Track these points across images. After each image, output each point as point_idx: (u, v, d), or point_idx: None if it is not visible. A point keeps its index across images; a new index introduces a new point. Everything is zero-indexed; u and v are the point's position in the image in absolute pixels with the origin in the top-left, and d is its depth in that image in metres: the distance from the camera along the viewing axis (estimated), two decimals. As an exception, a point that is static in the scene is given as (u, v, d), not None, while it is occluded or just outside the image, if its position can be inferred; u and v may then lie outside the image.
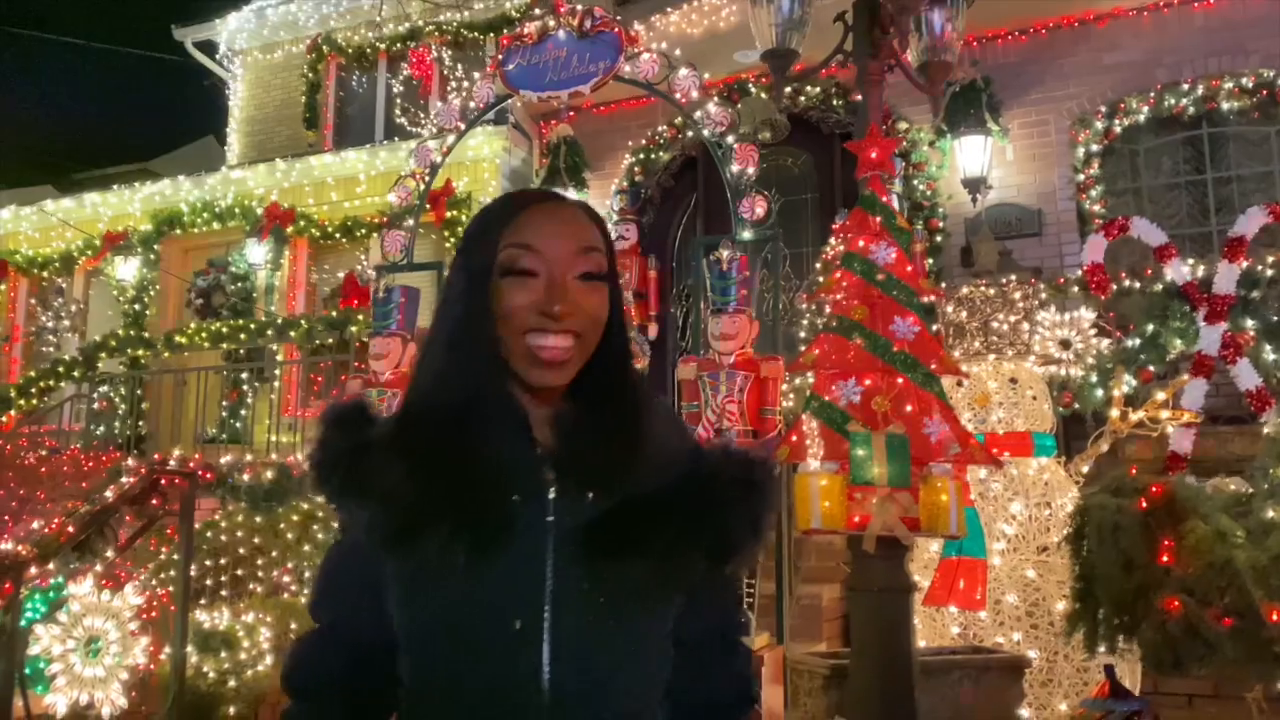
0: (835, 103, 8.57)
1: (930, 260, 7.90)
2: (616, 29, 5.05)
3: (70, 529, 3.62)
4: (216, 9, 13.18)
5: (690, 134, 8.92)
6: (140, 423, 9.46)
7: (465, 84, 12.14)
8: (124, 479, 3.96)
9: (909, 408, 3.36)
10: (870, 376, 3.41)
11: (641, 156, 9.04)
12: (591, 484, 1.13)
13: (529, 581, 1.09)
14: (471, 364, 1.15)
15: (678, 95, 5.05)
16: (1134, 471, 3.42)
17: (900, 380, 3.37)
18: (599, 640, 1.10)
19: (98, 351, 8.55)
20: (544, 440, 1.16)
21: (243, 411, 9.59)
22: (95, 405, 9.45)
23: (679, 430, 1.29)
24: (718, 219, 9.18)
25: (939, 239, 8.03)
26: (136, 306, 10.55)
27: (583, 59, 5.09)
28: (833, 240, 6.73)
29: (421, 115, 12.10)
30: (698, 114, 5.01)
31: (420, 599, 1.12)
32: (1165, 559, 3.06)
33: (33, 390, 8.21)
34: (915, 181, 8.14)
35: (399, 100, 12.22)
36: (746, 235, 4.79)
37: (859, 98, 3.79)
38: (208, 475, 4.50)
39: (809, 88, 8.53)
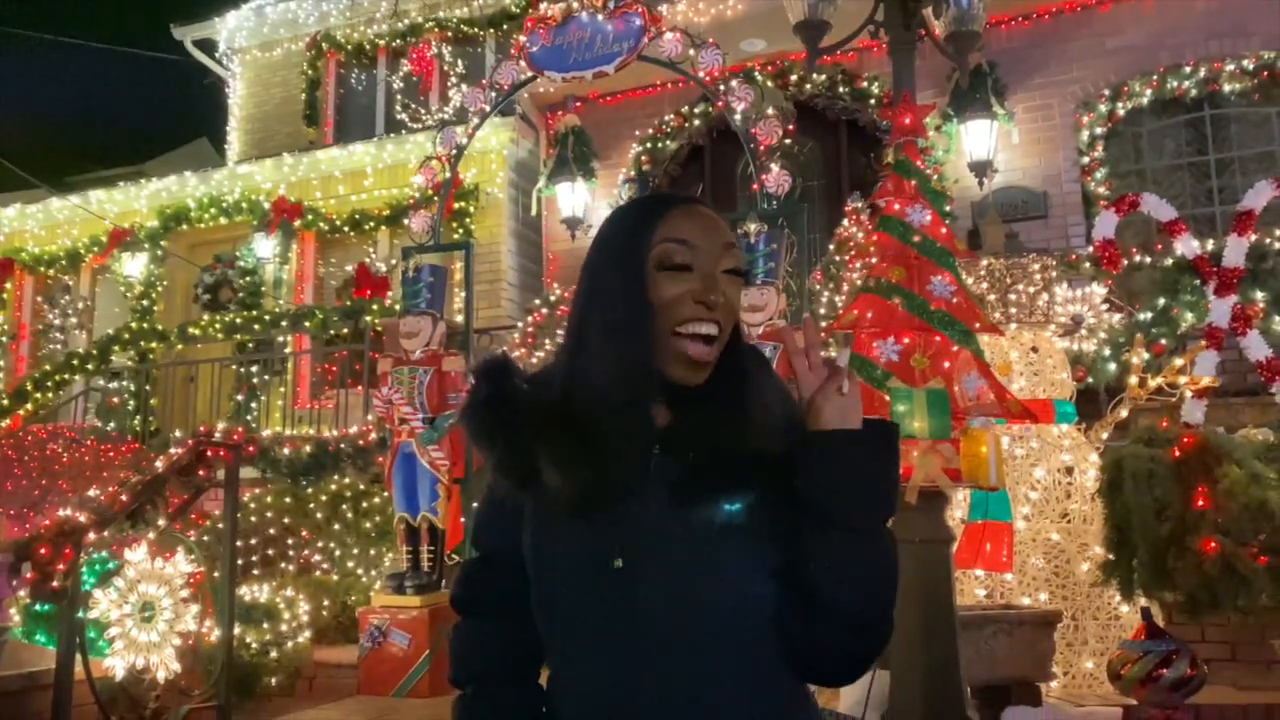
0: (841, 90, 8.69)
1: (938, 243, 8.02)
2: (639, 9, 5.16)
3: (124, 498, 3.70)
4: (216, 8, 13.24)
5: (697, 122, 9.06)
6: (151, 418, 9.51)
7: (465, 81, 12.26)
8: (173, 450, 4.03)
9: (947, 364, 3.47)
10: (909, 335, 3.51)
11: (649, 145, 9.15)
12: (691, 446, 1.23)
13: (628, 529, 1.20)
14: (630, 354, 1.23)
15: (702, 74, 5.15)
16: (1165, 424, 3.53)
17: (938, 338, 3.48)
18: (686, 577, 1.20)
19: (110, 344, 8.60)
20: (660, 418, 1.27)
21: (254, 405, 9.64)
22: (106, 400, 9.49)
23: (788, 404, 1.30)
24: (725, 207, 9.29)
25: (946, 223, 8.13)
26: (144, 303, 10.58)
27: (606, 39, 5.19)
28: (845, 221, 6.84)
29: (422, 111, 12.18)
30: (722, 88, 5.12)
31: (542, 538, 1.25)
32: (1200, 503, 3.18)
33: (48, 384, 8.25)
34: (922, 165, 8.25)
35: (399, 97, 12.29)
36: (772, 208, 4.90)
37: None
38: (251, 449, 4.58)
39: (815, 75, 8.65)
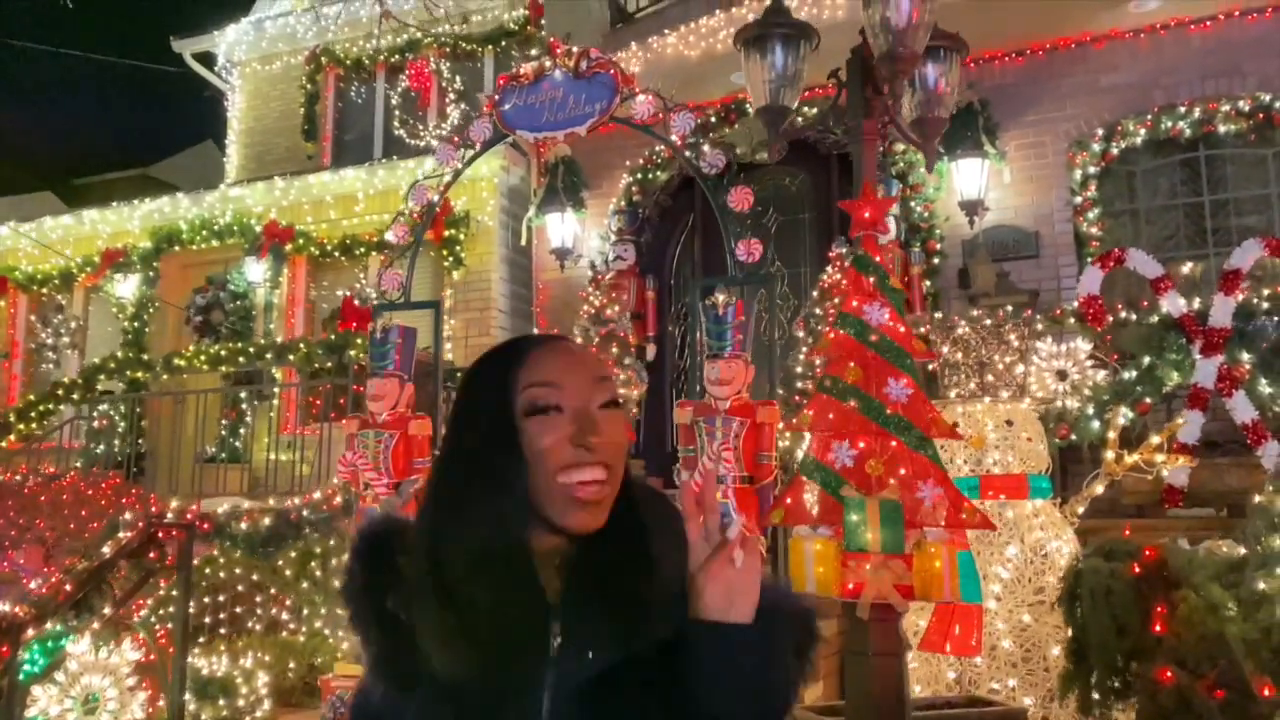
0: (832, 123, 8.53)
1: (927, 283, 7.91)
2: (612, 70, 5.05)
3: (68, 587, 3.63)
4: (215, 21, 13.18)
5: (689, 153, 8.91)
6: (140, 441, 9.47)
7: (463, 97, 12.16)
8: (121, 534, 3.97)
9: (903, 471, 3.37)
10: (864, 439, 3.41)
11: (639, 176, 9.03)
12: (594, 643, 1.11)
13: None
14: (500, 510, 1.13)
15: (674, 136, 5.04)
16: (1127, 532, 3.42)
17: (894, 443, 3.38)
18: None
19: (96, 373, 8.55)
20: (550, 586, 1.14)
21: (241, 430, 9.60)
22: (95, 424, 9.46)
23: (680, 542, 1.17)
24: (715, 239, 9.17)
25: (936, 261, 8.02)
26: (136, 324, 10.54)
27: (579, 99, 5.08)
28: (829, 269, 6.73)
29: (420, 127, 12.09)
30: (691, 155, 5.00)
31: None
32: (1158, 627, 3.07)
33: (32, 414, 8.21)
34: (912, 203, 8.14)
35: (397, 112, 12.21)
36: (741, 278, 4.78)
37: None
38: (205, 526, 4.51)
39: (806, 109, 8.51)
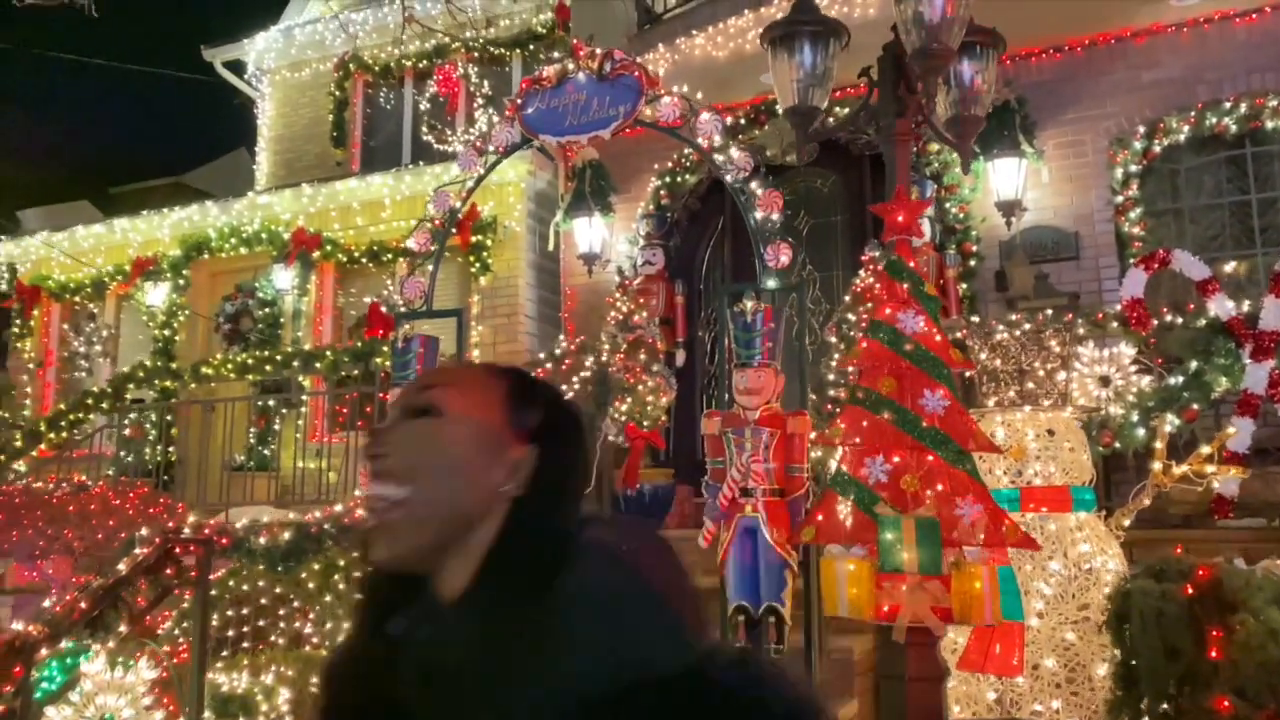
0: (864, 123, 8.36)
1: (963, 286, 7.71)
2: (637, 72, 4.92)
3: (83, 605, 3.56)
4: (245, 29, 13.21)
5: (719, 156, 8.77)
6: (170, 449, 9.47)
7: (491, 101, 12.10)
8: (138, 550, 3.90)
9: (940, 486, 3.21)
10: (899, 453, 3.26)
11: (668, 179, 8.90)
12: None
13: None
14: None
15: (700, 139, 4.91)
16: (1179, 550, 3.24)
17: (931, 458, 3.22)
18: None
19: (126, 383, 8.56)
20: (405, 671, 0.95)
21: (269, 438, 9.58)
22: (126, 432, 9.48)
23: (620, 656, 0.89)
24: (746, 243, 9.00)
25: (972, 264, 7.82)
26: (166, 332, 10.57)
27: (603, 102, 4.96)
28: (862, 273, 6.56)
29: (449, 132, 12.04)
30: (720, 158, 4.87)
31: None
32: (1213, 653, 2.89)
33: (62, 424, 8.23)
34: (947, 204, 7.94)
35: (426, 117, 12.18)
36: (771, 284, 4.64)
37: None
38: (223, 541, 4.44)
39: (837, 109, 8.34)
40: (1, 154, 19.42)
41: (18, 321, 11.36)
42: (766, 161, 8.80)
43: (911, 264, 3.41)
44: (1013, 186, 7.59)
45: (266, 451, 9.61)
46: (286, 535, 4.61)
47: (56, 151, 21.51)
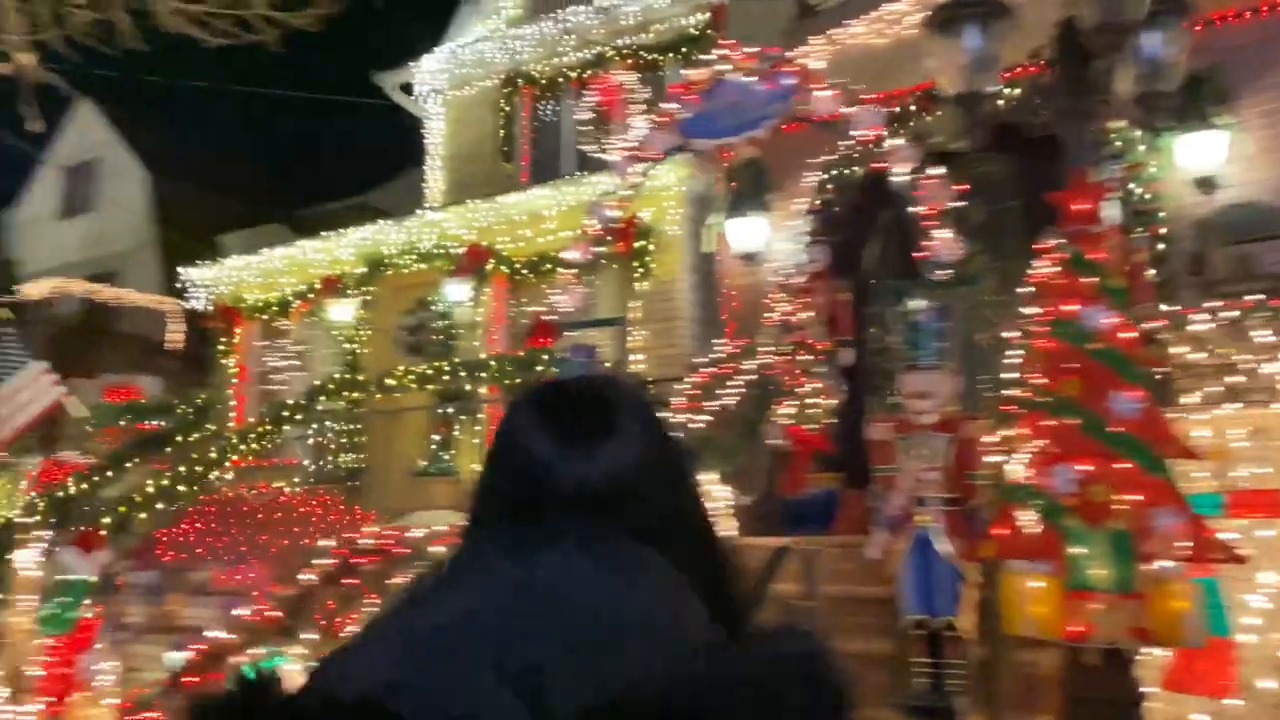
0: (1039, 105, 7.89)
1: (1154, 271, 7.14)
2: (791, 68, 4.78)
3: (276, 613, 3.74)
4: (413, 52, 13.73)
5: (884, 144, 8.48)
6: (358, 457, 9.95)
7: (650, 107, 12.12)
8: (319, 560, 4.07)
9: (1134, 496, 2.95)
10: (1087, 460, 3.01)
11: (831, 173, 8.66)
12: None
13: None
14: None
15: (859, 131, 4.72)
16: None
17: (1123, 465, 2.96)
18: None
19: (316, 395, 9.04)
20: None
21: (450, 445, 9.92)
22: (316, 441, 10.02)
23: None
24: (916, 233, 8.66)
25: (1163, 247, 7.24)
26: (352, 346, 11.11)
27: (757, 101, 4.85)
28: (1041, 262, 6.16)
29: (608, 141, 12.15)
30: (881, 149, 4.67)
31: None
32: None
33: (252, 435, 8.74)
34: (1133, 185, 7.38)
35: (587, 127, 12.34)
36: (939, 278, 4.41)
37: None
38: (402, 550, 4.60)
39: (1008, 90, 7.90)
40: (204, 184, 20.94)
41: (219, 340, 12.22)
42: (934, 149, 8.44)
43: (1095, 255, 3.15)
44: (1207, 162, 6.99)
45: (446, 458, 9.95)
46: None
47: (251, 179, 23.05)
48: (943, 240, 4.42)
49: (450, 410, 9.92)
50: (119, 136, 20.87)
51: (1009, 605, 2.98)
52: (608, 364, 5.60)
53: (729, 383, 6.30)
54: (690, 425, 5.91)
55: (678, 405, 6.09)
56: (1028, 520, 3.07)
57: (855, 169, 8.69)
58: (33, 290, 18.96)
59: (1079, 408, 3.01)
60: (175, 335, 18.90)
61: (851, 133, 4.69)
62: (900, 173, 4.61)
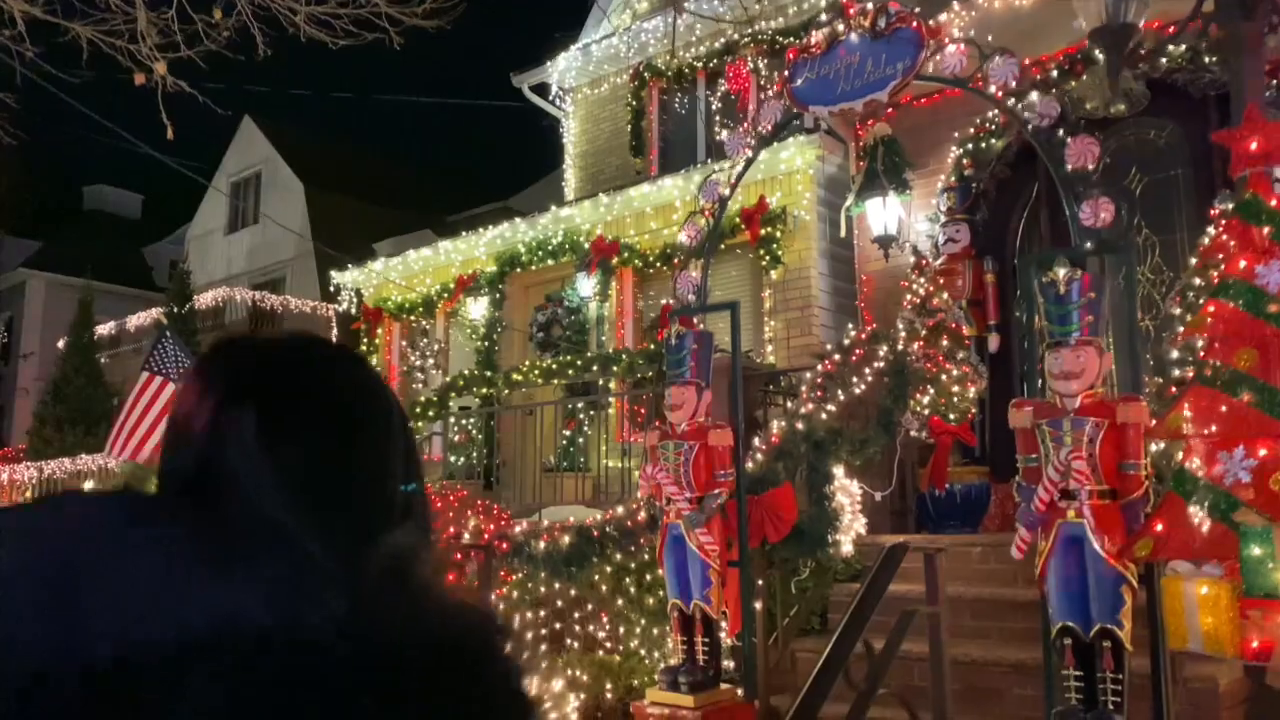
0: (1207, 60, 7.10)
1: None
2: (914, 23, 4.34)
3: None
4: (548, 52, 13.75)
5: (1028, 115, 7.82)
6: (493, 451, 9.96)
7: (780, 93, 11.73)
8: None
9: (1329, 487, 2.43)
10: (1265, 444, 2.51)
11: (971, 147, 8.05)
12: None
13: None
14: None
15: (993, 88, 4.25)
16: None
17: (1313, 450, 2.45)
18: None
19: (449, 392, 9.07)
20: None
21: (580, 439, 9.80)
22: (455, 438, 10.07)
23: None
24: (1066, 211, 7.96)
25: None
26: (486, 343, 11.16)
27: (878, 62, 4.43)
28: (1212, 229, 5.49)
29: (742, 130, 11.82)
30: (1018, 106, 4.18)
31: None
32: None
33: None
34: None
35: (719, 117, 12.05)
36: (1089, 247, 3.89)
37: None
38: (503, 546, 4.41)
39: (1170, 47, 7.14)
40: (356, 194, 21.68)
41: (364, 341, 12.51)
42: (1087, 115, 7.73)
43: (1272, 203, 2.64)
44: None
45: (575, 451, 9.85)
46: (567, 540, 4.50)
47: (401, 188, 23.75)
48: (1093, 206, 3.90)
49: (580, 405, 9.80)
50: (277, 151, 21.84)
51: (1172, 614, 2.51)
52: (725, 352, 5.28)
53: (863, 370, 5.86)
54: (818, 416, 5.51)
55: (803, 395, 5.70)
56: (1194, 515, 2.58)
57: (996, 141, 8.07)
58: (204, 300, 20.06)
59: (1255, 382, 2.51)
60: (334, 338, 19.61)
61: (988, 89, 4.21)
62: (1040, 131, 4.10)
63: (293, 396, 0.85)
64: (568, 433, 9.88)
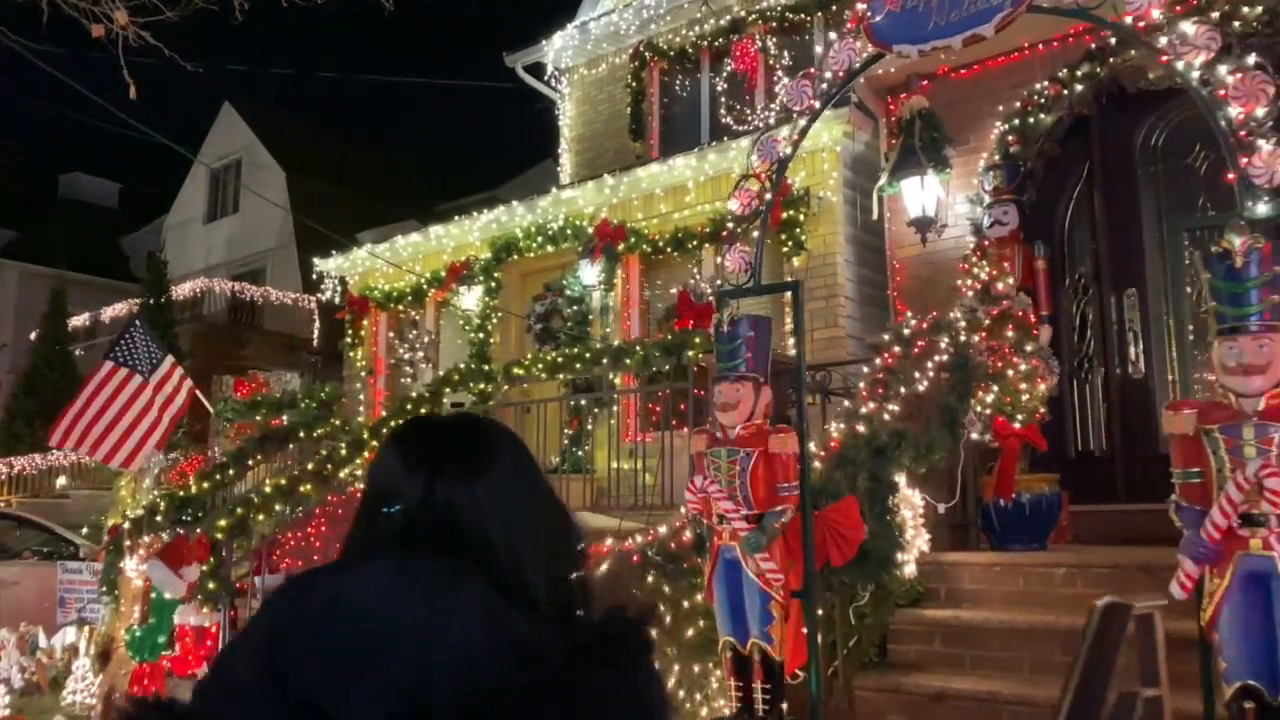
0: (1288, 21, 6.30)
1: None
2: (1030, -61, 3.50)
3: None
4: (543, 30, 12.89)
5: (1080, 87, 7.01)
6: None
7: (792, 72, 10.90)
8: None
9: None
10: None
11: (1016, 123, 7.22)
12: None
13: None
14: None
15: (1127, 18, 3.41)
16: None
17: None
18: None
19: (442, 387, 8.17)
20: None
21: (583, 439, 8.93)
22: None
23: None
24: (1122, 189, 7.17)
25: None
26: (481, 335, 10.27)
27: (980, -11, 3.59)
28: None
29: (748, 112, 11.00)
30: (1163, 40, 3.34)
31: None
32: None
33: (384, 431, 7.96)
34: None
35: (723, 99, 11.23)
36: (1263, 210, 3.07)
37: None
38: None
39: (1244, 8, 6.34)
40: (343, 182, 20.69)
41: (349, 332, 11.57)
42: (1148, 86, 6.92)
43: None
44: None
45: (580, 453, 8.98)
46: (604, 566, 3.64)
47: (389, 175, 22.78)
48: (1264, 155, 3.07)
49: (583, 401, 8.93)
50: (258, 137, 20.81)
51: None
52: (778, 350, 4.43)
53: (925, 364, 5.03)
54: (880, 416, 4.67)
55: (863, 393, 4.85)
56: None
57: (1045, 116, 7.25)
58: (181, 290, 19.02)
59: None
60: (316, 330, 18.69)
61: (1121, 20, 3.37)
62: (1191, 67, 3.26)
63: (488, 462, 1.07)
64: (570, 432, 9.02)
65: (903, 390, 4.85)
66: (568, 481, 8.20)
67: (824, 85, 3.89)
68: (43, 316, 19.94)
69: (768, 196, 3.96)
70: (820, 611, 4.31)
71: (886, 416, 4.73)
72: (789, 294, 5.04)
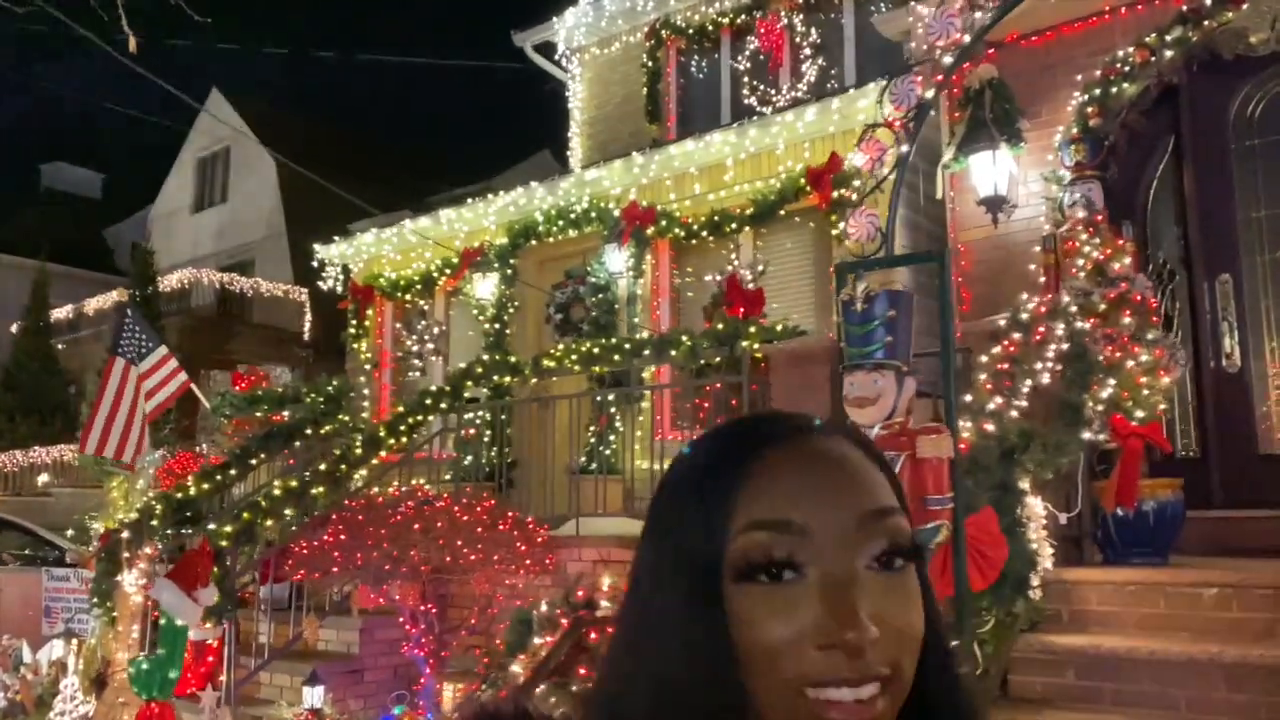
0: None
1: None
2: None
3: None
4: (553, 8, 12.14)
5: (1170, 53, 6.33)
6: (507, 449, 8.34)
7: (820, 51, 10.21)
8: (536, 639, 2.36)
9: None
10: None
11: (1096, 93, 6.53)
12: None
13: None
14: None
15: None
16: None
17: None
18: None
19: (464, 379, 7.43)
20: None
21: (611, 438, 8.20)
22: (463, 433, 8.44)
23: None
24: (1214, 164, 6.53)
25: None
26: (496, 325, 9.52)
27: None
28: None
29: (773, 93, 10.32)
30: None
31: None
32: None
33: (402, 427, 7.23)
34: None
35: (746, 79, 10.53)
36: None
37: None
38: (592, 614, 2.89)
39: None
40: (332, 171, 19.81)
41: (353, 323, 10.79)
42: (1247, 52, 6.29)
43: None
44: None
45: (608, 453, 8.26)
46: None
47: (380, 165, 21.94)
48: None
49: (611, 398, 8.20)
50: (248, 125, 19.92)
51: None
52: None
53: (1044, 354, 4.34)
54: (1008, 414, 3.97)
55: (985, 386, 4.15)
56: None
57: (1129, 85, 6.57)
58: (168, 282, 18.14)
59: None
60: (308, 323, 17.85)
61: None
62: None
63: None
64: (595, 430, 8.29)
65: (1028, 384, 4.16)
66: (597, 483, 7.46)
67: (978, 14, 3.18)
68: (24, 309, 19.03)
69: (904, 149, 3.24)
70: (956, 643, 3.60)
71: (1014, 414, 4.03)
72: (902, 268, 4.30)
